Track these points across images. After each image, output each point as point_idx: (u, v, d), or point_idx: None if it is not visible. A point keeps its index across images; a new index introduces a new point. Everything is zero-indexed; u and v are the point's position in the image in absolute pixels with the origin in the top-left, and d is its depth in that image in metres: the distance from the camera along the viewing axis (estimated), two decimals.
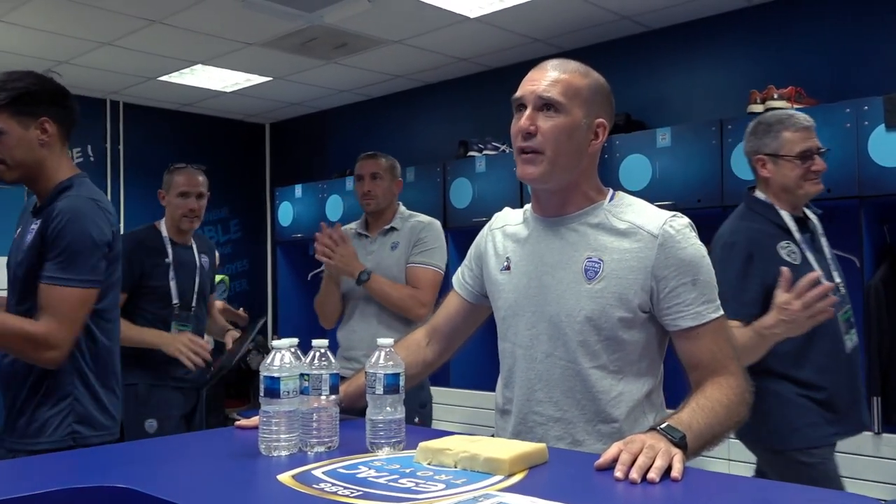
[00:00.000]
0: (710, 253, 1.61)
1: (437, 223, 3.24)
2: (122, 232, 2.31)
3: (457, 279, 1.82)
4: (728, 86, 4.65)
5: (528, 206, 1.70)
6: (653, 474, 1.21)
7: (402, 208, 3.25)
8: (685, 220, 1.56)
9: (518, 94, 1.57)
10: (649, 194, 4.27)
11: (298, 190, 6.36)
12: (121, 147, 6.67)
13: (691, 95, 4.84)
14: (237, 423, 1.63)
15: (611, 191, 1.63)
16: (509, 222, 1.73)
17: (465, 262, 1.81)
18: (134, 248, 3.12)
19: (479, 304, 1.77)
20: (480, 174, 5.11)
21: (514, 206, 1.80)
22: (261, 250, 7.46)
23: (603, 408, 1.53)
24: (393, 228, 3.13)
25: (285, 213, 6.46)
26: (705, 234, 4.51)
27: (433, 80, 6.07)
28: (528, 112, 1.54)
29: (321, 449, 1.45)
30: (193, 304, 3.24)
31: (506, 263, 1.66)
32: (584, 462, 1.31)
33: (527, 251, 1.63)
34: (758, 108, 4.02)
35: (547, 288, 1.57)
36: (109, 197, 6.55)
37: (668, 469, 1.23)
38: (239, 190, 7.39)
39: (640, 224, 1.53)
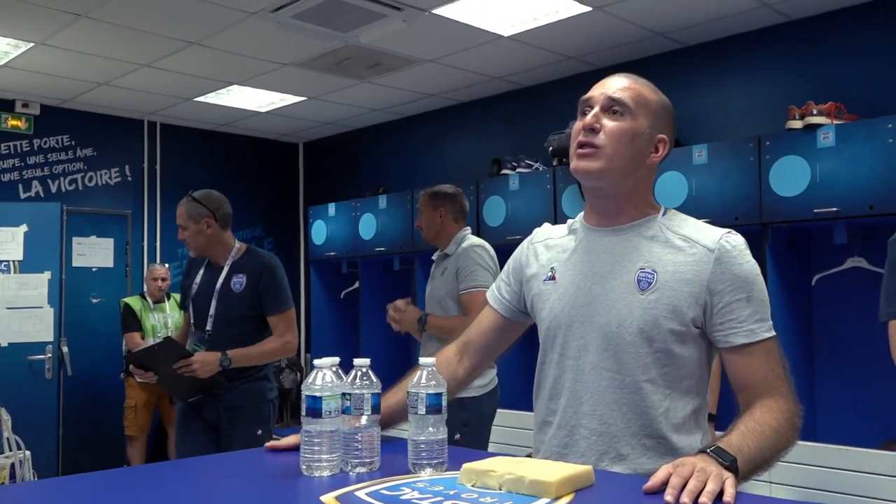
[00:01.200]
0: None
1: (477, 245, 3.36)
2: None
3: (492, 294, 1.79)
4: (765, 102, 4.60)
5: (572, 221, 1.69)
6: (704, 499, 1.17)
7: (461, 234, 3.42)
8: (741, 237, 1.53)
9: (587, 95, 1.58)
10: (685, 212, 4.21)
11: (332, 209, 6.38)
12: (158, 167, 6.76)
13: (728, 112, 4.79)
14: (267, 444, 1.62)
15: (663, 207, 1.61)
16: (552, 236, 1.71)
17: (502, 276, 1.78)
18: (186, 270, 3.50)
19: (514, 319, 1.74)
20: (514, 192, 5.09)
21: (548, 224, 1.79)
22: (293, 269, 7.49)
23: (650, 423, 1.49)
24: (447, 255, 3.38)
25: (318, 232, 6.48)
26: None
27: (467, 98, 6.08)
28: (595, 111, 1.54)
29: (363, 470, 1.43)
30: (208, 326, 3.22)
31: (550, 274, 1.63)
32: (632, 485, 1.27)
33: (574, 261, 1.61)
34: (796, 123, 3.97)
35: (597, 297, 1.54)
36: (146, 216, 6.67)
37: (721, 493, 1.20)
38: (273, 209, 7.45)
39: (696, 238, 1.51)
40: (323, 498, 1.23)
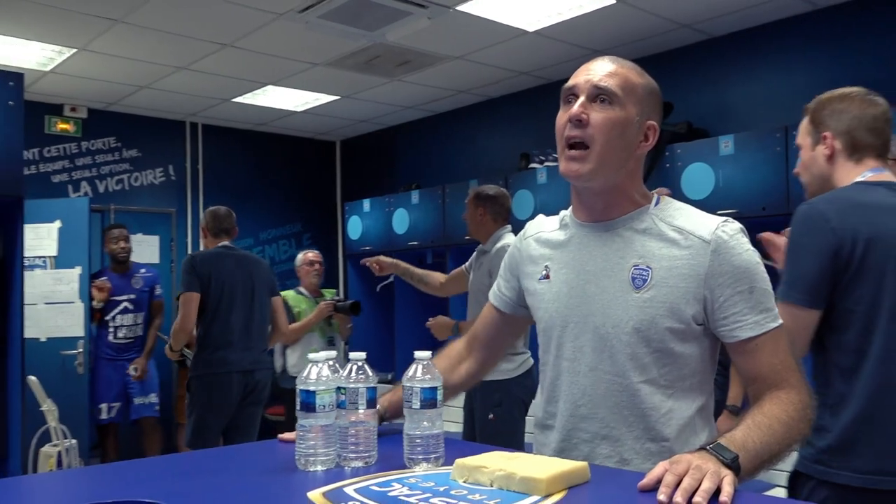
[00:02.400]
0: None
1: (507, 246, 3.32)
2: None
3: (492, 291, 1.71)
4: (793, 91, 4.44)
5: (564, 212, 1.56)
6: (698, 498, 1.09)
7: (500, 233, 3.54)
8: (737, 224, 1.41)
9: (570, 83, 1.43)
10: (712, 203, 4.10)
11: (367, 204, 6.36)
12: (200, 166, 6.80)
13: (754, 102, 4.63)
14: (280, 436, 1.58)
15: (655, 195, 1.49)
16: (544, 229, 1.58)
17: (500, 272, 1.69)
18: None
19: (515, 314, 1.65)
20: (542, 186, 5.01)
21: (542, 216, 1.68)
22: (332, 264, 7.49)
23: (652, 425, 1.40)
24: (485, 251, 3.53)
25: (354, 227, 6.47)
26: None
27: (495, 94, 6.00)
28: (581, 100, 1.39)
29: (359, 464, 1.38)
30: None
31: (544, 272, 1.53)
32: (628, 482, 1.20)
33: (567, 258, 1.50)
34: None
35: (591, 297, 1.44)
36: (190, 214, 6.72)
37: (718, 492, 1.12)
38: (311, 205, 7.46)
39: (691, 229, 1.40)
40: (310, 494, 1.17)
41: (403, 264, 3.90)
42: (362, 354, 1.42)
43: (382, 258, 3.83)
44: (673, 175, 4.32)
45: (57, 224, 5.34)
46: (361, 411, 1.39)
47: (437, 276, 3.95)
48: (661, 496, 1.11)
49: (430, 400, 1.36)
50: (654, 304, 1.38)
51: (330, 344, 4.62)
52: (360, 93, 5.93)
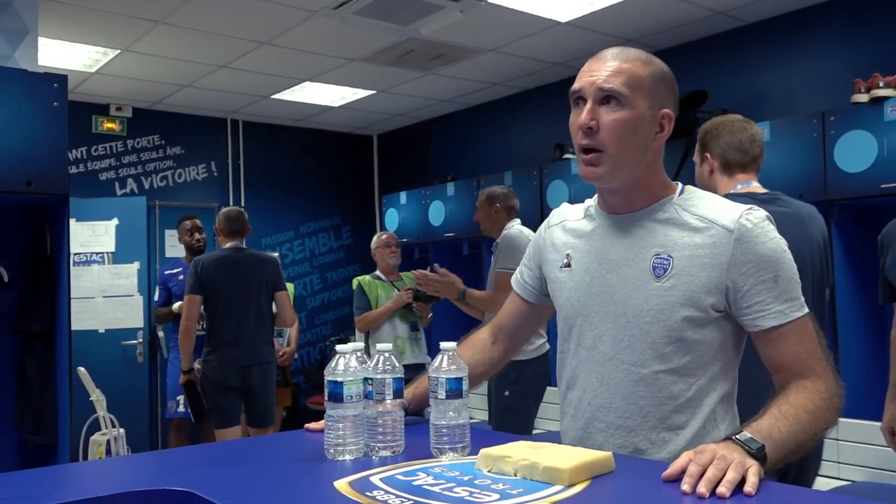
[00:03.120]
0: None
1: (513, 230, 3.69)
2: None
3: (515, 279, 1.69)
4: (829, 77, 4.33)
5: (590, 201, 1.54)
6: (723, 488, 1.06)
7: (510, 224, 3.75)
8: (762, 212, 1.37)
9: (576, 86, 1.40)
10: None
11: (403, 197, 6.37)
12: (241, 163, 6.88)
13: (791, 88, 4.53)
14: (307, 425, 1.59)
15: (680, 185, 1.46)
16: (568, 218, 1.57)
17: (524, 260, 1.67)
18: None
19: (538, 303, 1.64)
20: (576, 176, 4.95)
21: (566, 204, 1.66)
22: (370, 255, 7.52)
23: (669, 414, 1.37)
24: (497, 244, 3.70)
25: (391, 219, 6.48)
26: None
27: (529, 85, 5.95)
28: (588, 106, 1.36)
29: (386, 453, 1.38)
30: None
31: (566, 261, 1.51)
32: (652, 472, 1.18)
33: (589, 248, 1.48)
34: (862, 97, 3.71)
35: (612, 286, 1.42)
36: (216, 215, 6.73)
37: (743, 482, 1.09)
38: (349, 198, 7.50)
39: (714, 218, 1.36)
40: (336, 483, 1.18)
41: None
42: (388, 346, 1.42)
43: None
44: None
45: (114, 222, 5.60)
46: (388, 401, 1.40)
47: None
48: (685, 486, 1.09)
49: (455, 390, 1.35)
50: (675, 293, 1.36)
51: (413, 329, 4.44)
52: (395, 87, 5.93)
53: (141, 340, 5.50)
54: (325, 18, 4.35)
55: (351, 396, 1.36)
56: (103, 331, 5.51)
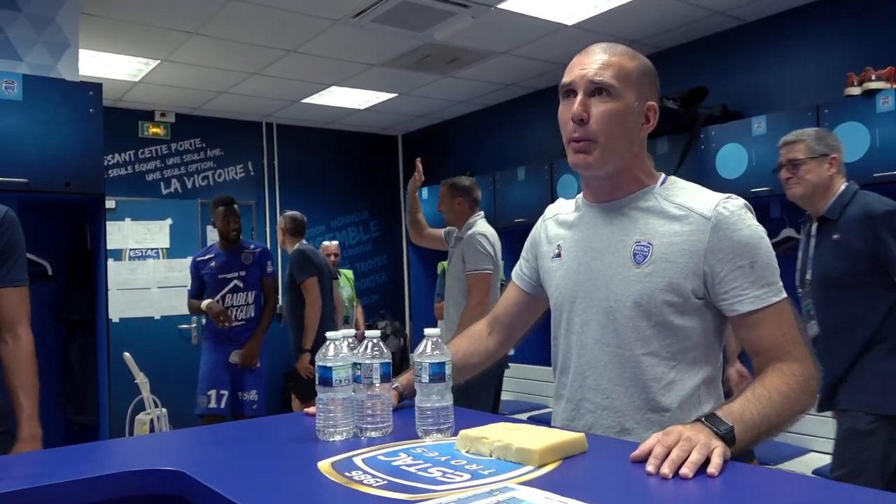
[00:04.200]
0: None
1: (480, 233, 3.48)
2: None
3: (515, 271, 1.65)
4: (824, 71, 4.20)
5: (579, 196, 1.51)
6: (685, 469, 1.01)
7: (473, 219, 3.55)
8: (740, 201, 1.32)
9: (566, 79, 1.36)
10: (746, 182, 3.92)
11: (425, 192, 6.32)
12: (276, 162, 6.89)
13: (787, 83, 4.40)
14: (306, 410, 1.56)
15: (662, 175, 1.42)
16: (561, 211, 1.54)
17: (523, 253, 1.64)
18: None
19: (536, 294, 1.60)
20: None
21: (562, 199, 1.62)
22: (397, 247, 7.52)
23: (653, 396, 1.33)
24: (460, 238, 3.53)
25: None
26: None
27: (540, 86, 5.87)
28: (579, 98, 1.32)
29: (375, 434, 1.35)
30: None
31: (557, 251, 1.48)
32: (624, 453, 1.13)
33: (577, 237, 1.45)
34: (855, 90, 3.59)
35: (596, 273, 1.38)
36: (267, 206, 6.82)
37: (707, 463, 1.04)
38: (376, 194, 7.48)
39: (692, 206, 1.32)
40: (319, 464, 1.15)
41: (416, 195, 3.79)
42: (376, 332, 1.39)
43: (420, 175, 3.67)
44: (707, 156, 4.15)
45: (168, 221, 5.95)
46: (376, 385, 1.36)
47: (425, 225, 3.88)
48: (650, 467, 1.04)
49: (438, 374, 1.32)
50: (654, 278, 1.31)
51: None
52: (415, 90, 5.89)
53: (195, 325, 5.81)
54: (346, 26, 4.32)
55: (340, 380, 1.33)
56: (159, 317, 5.84)
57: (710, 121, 4.32)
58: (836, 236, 2.41)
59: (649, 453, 1.07)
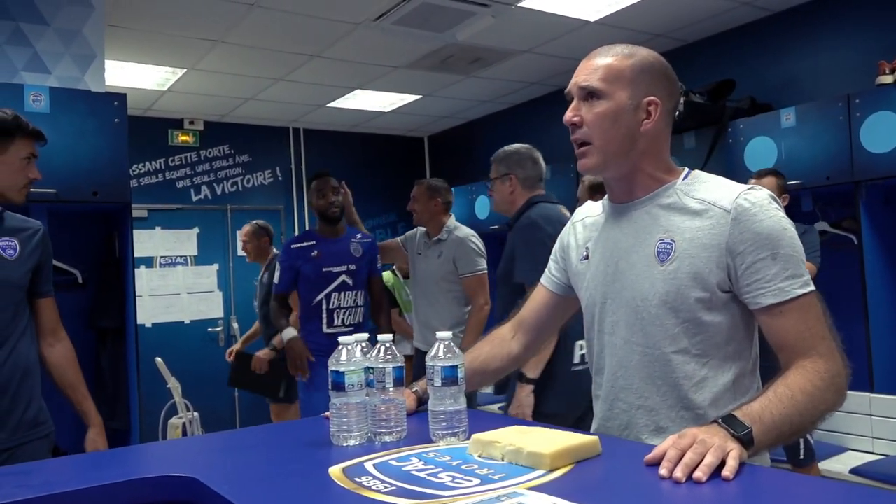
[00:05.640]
0: None
1: (472, 235, 3.53)
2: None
3: (544, 275, 1.65)
4: (854, 60, 4.10)
5: (605, 198, 1.51)
6: (699, 473, 0.99)
7: (451, 223, 3.55)
8: (763, 192, 1.29)
9: (567, 88, 1.40)
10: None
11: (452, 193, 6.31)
12: (303, 167, 6.94)
13: (817, 74, 4.30)
14: (325, 414, 1.56)
15: (685, 170, 1.40)
16: (589, 214, 1.54)
17: (552, 255, 1.64)
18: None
19: (564, 295, 1.59)
20: None
21: (591, 202, 1.61)
22: None
23: (685, 394, 1.31)
24: (440, 240, 3.50)
25: None
26: (839, 212, 3.98)
27: (564, 83, 5.77)
28: (573, 103, 1.37)
29: (389, 438, 1.34)
30: None
31: (585, 253, 1.49)
32: (637, 456, 1.11)
33: (602, 239, 1.45)
34: (887, 79, 3.50)
35: (622, 273, 1.38)
36: (296, 210, 6.88)
37: (722, 466, 1.02)
38: (404, 196, 7.40)
39: (713, 200, 1.30)
40: (330, 469, 1.15)
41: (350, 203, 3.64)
42: (388, 336, 1.38)
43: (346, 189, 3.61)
44: (736, 150, 4.08)
45: (195, 230, 6.20)
46: (390, 389, 1.36)
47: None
48: (663, 470, 1.02)
49: (450, 377, 1.31)
50: (679, 275, 1.30)
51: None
52: (439, 90, 5.89)
53: (221, 328, 6.02)
54: (368, 30, 4.33)
55: (353, 385, 1.33)
56: (188, 322, 6.06)
57: (738, 114, 4.24)
58: None
59: (663, 456, 1.05)
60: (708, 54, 4.80)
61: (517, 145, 3.00)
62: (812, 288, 1.26)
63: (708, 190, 1.33)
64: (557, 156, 5.73)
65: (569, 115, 1.37)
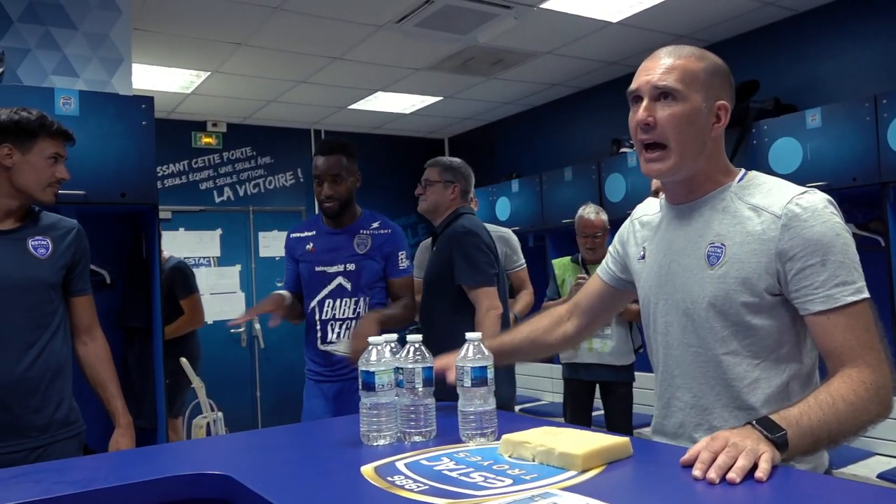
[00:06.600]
0: None
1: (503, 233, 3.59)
2: None
3: (601, 266, 1.66)
4: (882, 60, 4.05)
5: (663, 197, 1.51)
6: (732, 474, 0.99)
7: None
8: (818, 196, 1.27)
9: (633, 86, 1.37)
10: (801, 176, 3.80)
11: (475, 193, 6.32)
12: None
13: (842, 73, 4.26)
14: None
15: (741, 171, 1.39)
16: (647, 213, 1.54)
17: (611, 248, 1.64)
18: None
19: (617, 287, 1.60)
20: (632, 169, 4.81)
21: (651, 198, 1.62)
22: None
23: (738, 394, 1.31)
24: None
25: None
26: (866, 213, 3.93)
27: (586, 85, 5.81)
28: (644, 103, 1.33)
29: (419, 438, 1.35)
30: None
31: (642, 253, 1.50)
32: (669, 458, 1.11)
33: (658, 239, 1.46)
34: None
35: (675, 275, 1.39)
36: (316, 211, 6.91)
37: (755, 468, 1.01)
38: None
39: (765, 205, 1.29)
40: (363, 468, 1.16)
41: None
42: (418, 337, 1.39)
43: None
44: (760, 151, 4.04)
45: (218, 231, 6.30)
46: (419, 389, 1.37)
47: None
48: (696, 472, 1.02)
49: (480, 378, 1.32)
50: (727, 279, 1.30)
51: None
52: (460, 92, 5.89)
53: (243, 328, 6.00)
54: (389, 32, 4.35)
55: (383, 385, 1.34)
56: (211, 322, 6.04)
57: (762, 115, 4.21)
58: None
59: (696, 458, 1.05)
60: (731, 55, 4.75)
61: (459, 160, 2.97)
62: (865, 296, 1.24)
63: (761, 194, 1.32)
64: (579, 157, 5.73)
65: (642, 114, 1.32)
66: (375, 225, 2.73)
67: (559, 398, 4.63)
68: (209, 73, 5.03)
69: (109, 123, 2.87)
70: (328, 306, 2.63)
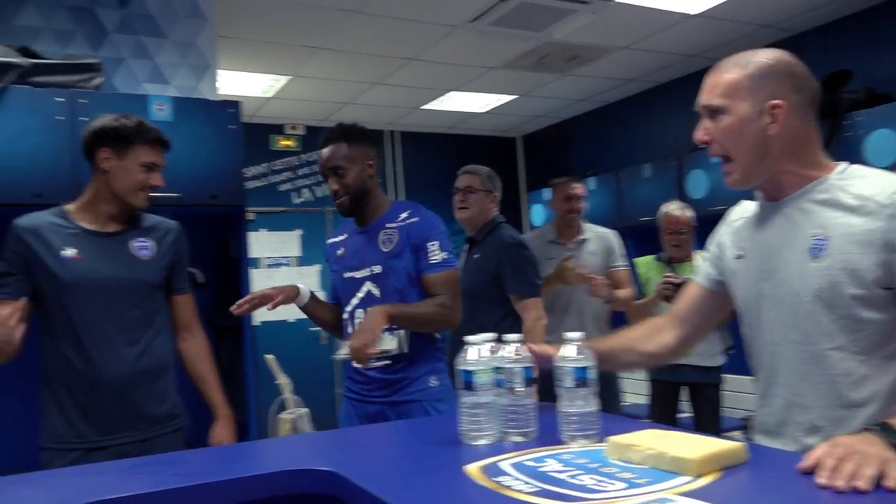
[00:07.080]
0: None
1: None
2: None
3: (698, 270, 1.63)
4: None
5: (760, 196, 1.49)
6: (863, 483, 0.93)
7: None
8: None
9: (696, 107, 1.42)
10: None
11: (547, 193, 6.26)
12: (400, 168, 7.04)
13: None
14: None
15: (842, 164, 1.35)
16: (744, 213, 1.51)
17: (706, 252, 1.61)
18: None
19: (716, 290, 1.55)
20: (715, 165, 4.66)
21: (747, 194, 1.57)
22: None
23: (843, 392, 1.25)
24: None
25: (538, 214, 6.41)
26: None
27: (664, 79, 5.67)
28: (702, 123, 1.39)
29: (519, 439, 1.33)
30: None
31: (740, 252, 1.46)
32: (787, 464, 1.06)
33: (756, 236, 1.43)
34: None
35: (776, 270, 1.35)
36: None
37: (884, 477, 0.95)
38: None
39: (870, 195, 1.25)
40: (467, 467, 1.15)
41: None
42: (517, 336, 1.37)
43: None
44: (854, 143, 3.86)
45: (298, 232, 6.46)
46: (519, 389, 1.35)
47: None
48: (822, 479, 0.97)
49: (582, 379, 1.29)
50: (832, 271, 1.25)
51: None
52: (535, 90, 5.84)
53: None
54: (464, 31, 4.34)
55: (482, 384, 1.33)
56: (293, 320, 6.23)
57: (855, 106, 4.01)
58: None
59: (815, 465, 1.00)
60: (819, 44, 4.56)
61: (489, 169, 3.16)
62: None
63: (865, 184, 1.28)
64: (656, 153, 5.60)
65: (699, 134, 1.39)
66: (404, 216, 2.24)
67: (641, 399, 4.53)
68: (289, 77, 5.13)
69: (200, 128, 2.96)
70: (358, 317, 2.23)
